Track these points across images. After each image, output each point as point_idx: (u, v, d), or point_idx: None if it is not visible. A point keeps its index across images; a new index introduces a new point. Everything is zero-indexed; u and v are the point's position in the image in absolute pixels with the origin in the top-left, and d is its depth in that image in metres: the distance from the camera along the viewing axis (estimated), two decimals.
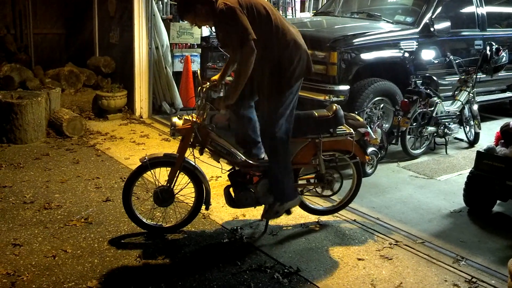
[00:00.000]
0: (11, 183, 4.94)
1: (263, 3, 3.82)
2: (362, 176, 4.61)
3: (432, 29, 6.67)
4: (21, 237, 3.94)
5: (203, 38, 8.30)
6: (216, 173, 4.90)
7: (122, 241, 4.00)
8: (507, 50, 7.03)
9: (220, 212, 4.55)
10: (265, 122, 3.96)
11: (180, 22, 7.93)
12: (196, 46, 8.15)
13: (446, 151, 6.63)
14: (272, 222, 4.31)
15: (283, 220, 4.43)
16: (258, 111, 4.12)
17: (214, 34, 8.25)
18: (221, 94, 4.44)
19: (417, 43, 6.59)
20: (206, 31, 8.22)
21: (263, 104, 3.96)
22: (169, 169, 4.00)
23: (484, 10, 7.56)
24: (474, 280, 3.67)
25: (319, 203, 4.65)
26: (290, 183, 4.09)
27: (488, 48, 6.88)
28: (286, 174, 4.04)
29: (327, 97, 5.96)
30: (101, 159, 5.76)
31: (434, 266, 3.86)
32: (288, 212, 4.24)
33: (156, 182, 4.05)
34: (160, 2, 7.88)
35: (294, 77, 3.87)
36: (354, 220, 4.55)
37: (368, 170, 5.62)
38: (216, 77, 4.24)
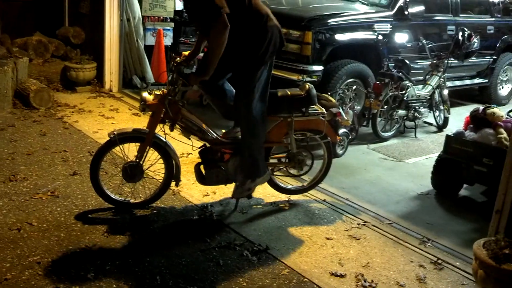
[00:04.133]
0: None
1: None
2: (333, 156, 4.63)
3: (406, 12, 6.69)
4: None
5: (177, 12, 8.15)
6: (187, 150, 4.85)
7: (89, 215, 3.94)
8: (478, 37, 7.10)
9: (191, 189, 4.52)
10: (240, 101, 3.90)
11: None
12: (169, 20, 7.99)
13: (415, 135, 6.71)
14: (242, 200, 4.29)
15: (253, 198, 4.43)
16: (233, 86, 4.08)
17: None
18: (194, 70, 4.37)
19: (391, 26, 6.61)
20: (179, 4, 8.07)
21: (237, 83, 3.91)
22: (138, 144, 3.93)
23: None
24: (439, 261, 3.73)
25: (290, 182, 4.66)
26: (262, 161, 4.08)
27: (460, 33, 6.94)
28: (260, 152, 4.03)
29: (300, 77, 5.94)
30: (68, 132, 5.64)
31: (401, 247, 3.91)
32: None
33: (125, 158, 3.98)
34: None
35: (268, 53, 3.80)
36: (324, 200, 4.57)
37: (339, 151, 5.66)
38: (188, 52, 4.17)
